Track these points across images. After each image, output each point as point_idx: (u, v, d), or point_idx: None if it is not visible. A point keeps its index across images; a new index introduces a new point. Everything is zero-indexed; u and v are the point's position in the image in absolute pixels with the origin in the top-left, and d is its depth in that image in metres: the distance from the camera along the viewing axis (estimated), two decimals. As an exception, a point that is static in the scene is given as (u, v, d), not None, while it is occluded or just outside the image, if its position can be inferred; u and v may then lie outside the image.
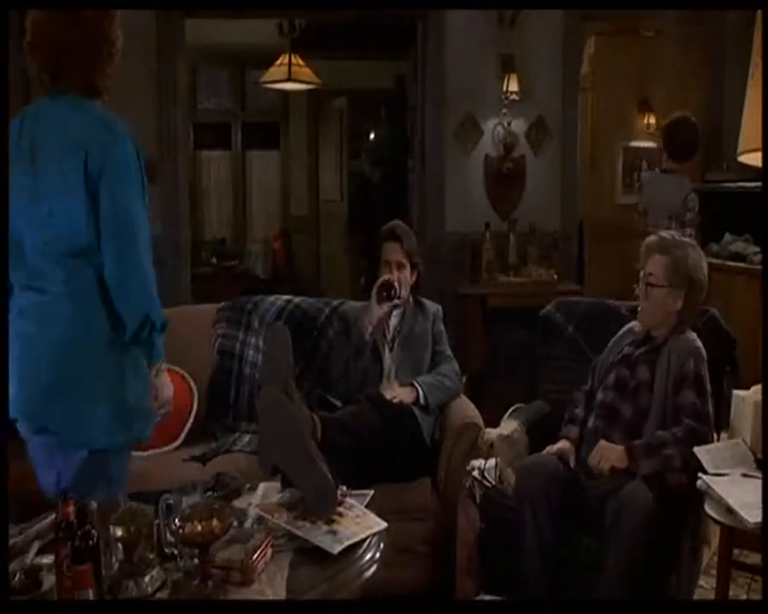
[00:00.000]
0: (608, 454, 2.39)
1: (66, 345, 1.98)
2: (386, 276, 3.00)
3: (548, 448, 2.56)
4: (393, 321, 3.08)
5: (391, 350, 3.04)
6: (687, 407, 2.43)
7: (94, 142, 1.98)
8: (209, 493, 2.10)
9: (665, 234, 2.66)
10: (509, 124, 5.02)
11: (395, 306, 3.03)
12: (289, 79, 6.08)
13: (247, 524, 1.99)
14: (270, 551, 1.83)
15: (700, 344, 2.52)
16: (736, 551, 2.28)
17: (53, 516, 1.83)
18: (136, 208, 2.01)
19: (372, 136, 8.10)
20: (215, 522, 1.74)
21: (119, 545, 1.75)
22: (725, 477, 2.19)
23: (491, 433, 2.69)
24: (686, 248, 2.56)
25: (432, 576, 2.69)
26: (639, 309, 2.62)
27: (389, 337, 3.07)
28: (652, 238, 2.64)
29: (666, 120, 4.60)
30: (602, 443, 2.43)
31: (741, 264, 4.41)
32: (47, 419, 2.00)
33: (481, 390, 4.30)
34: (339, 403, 2.86)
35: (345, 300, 3.38)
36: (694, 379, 2.45)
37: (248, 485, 2.25)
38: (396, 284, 2.98)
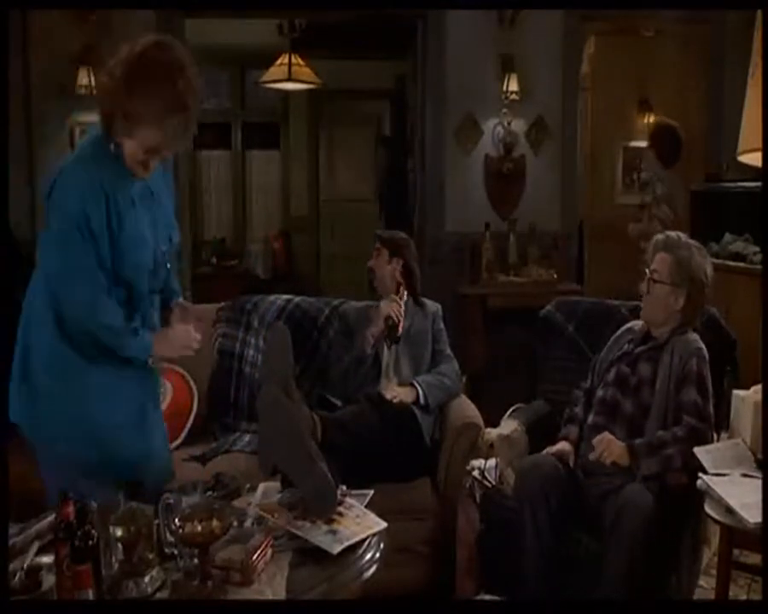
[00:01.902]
0: (612, 448, 2.39)
1: (52, 357, 2.03)
2: (392, 313, 2.95)
3: (547, 449, 2.56)
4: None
5: (389, 347, 3.04)
6: (688, 405, 2.43)
7: None
8: (209, 493, 2.10)
9: (672, 233, 2.69)
10: (509, 124, 5.02)
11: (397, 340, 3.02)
12: (289, 79, 6.07)
13: (247, 524, 1.99)
14: (270, 551, 1.83)
15: (702, 345, 2.53)
16: (736, 551, 2.28)
17: (53, 516, 1.83)
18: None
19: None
20: (215, 522, 1.74)
21: (119, 545, 1.75)
22: (725, 477, 2.19)
23: (491, 433, 2.69)
24: (691, 249, 2.59)
25: (432, 576, 2.69)
26: (642, 304, 2.65)
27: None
28: (659, 236, 2.69)
29: (652, 126, 4.81)
30: (607, 435, 2.42)
31: (741, 264, 4.41)
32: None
33: (481, 391, 4.29)
34: (339, 403, 2.86)
35: (345, 300, 3.38)
36: (696, 378, 2.46)
37: (248, 485, 2.25)
38: (400, 326, 2.96)
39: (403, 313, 2.99)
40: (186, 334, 2.15)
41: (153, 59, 1.90)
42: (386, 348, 3.03)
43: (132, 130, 1.91)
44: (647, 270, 2.64)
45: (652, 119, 6.49)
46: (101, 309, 2.00)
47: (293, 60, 6.04)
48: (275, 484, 2.20)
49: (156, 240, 2.11)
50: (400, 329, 2.96)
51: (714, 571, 2.31)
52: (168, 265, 2.20)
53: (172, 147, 2.01)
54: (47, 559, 1.77)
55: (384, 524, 2.01)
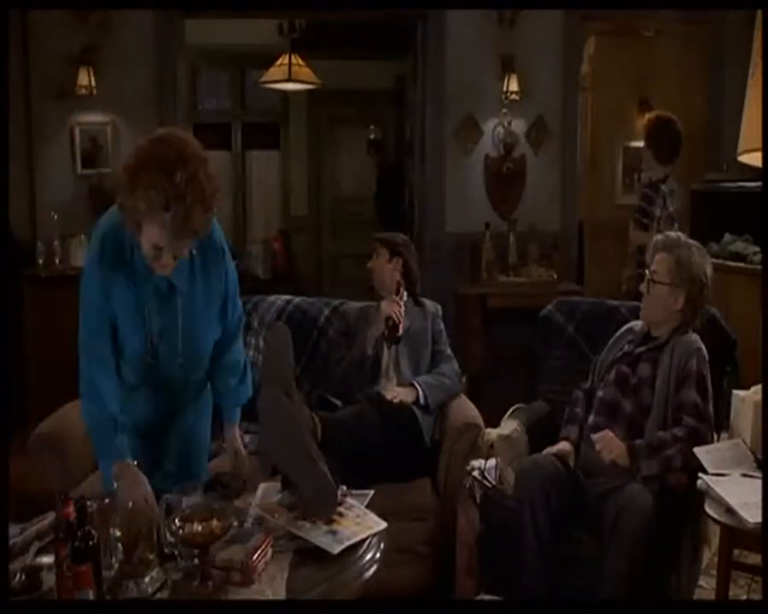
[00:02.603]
0: (612, 446, 2.38)
1: None
2: (393, 314, 2.95)
3: (547, 449, 2.56)
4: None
5: (389, 347, 3.04)
6: (688, 405, 2.43)
7: None
8: (209, 493, 2.10)
9: (672, 233, 2.70)
10: (509, 124, 5.03)
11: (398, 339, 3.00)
12: (289, 79, 6.07)
13: (247, 524, 1.99)
14: (270, 551, 1.83)
15: (702, 345, 2.54)
16: (735, 551, 2.28)
17: (53, 516, 1.83)
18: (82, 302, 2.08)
19: (372, 136, 8.13)
20: (215, 522, 1.75)
21: (119, 545, 1.75)
22: (725, 477, 2.19)
23: (491, 433, 2.69)
24: (691, 249, 2.59)
25: (432, 576, 2.69)
26: (642, 304, 2.65)
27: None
28: (659, 236, 2.70)
29: (648, 119, 4.35)
30: (608, 432, 2.42)
31: (741, 264, 4.41)
32: None
33: (481, 390, 4.29)
34: (339, 403, 2.86)
35: (345, 300, 3.38)
36: (696, 378, 2.46)
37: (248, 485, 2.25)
38: (400, 327, 2.95)
39: (403, 313, 2.99)
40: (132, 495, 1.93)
41: (151, 153, 1.87)
42: (386, 348, 3.03)
43: (140, 226, 1.91)
44: (646, 270, 2.64)
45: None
46: (96, 377, 2.05)
47: (293, 60, 6.05)
48: (275, 484, 2.20)
49: (164, 337, 2.12)
50: (401, 330, 2.96)
51: (714, 571, 2.31)
52: (191, 377, 2.23)
53: (174, 243, 1.92)
54: (47, 559, 1.77)
55: (384, 524, 2.01)
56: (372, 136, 7.98)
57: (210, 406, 2.39)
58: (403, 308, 3.00)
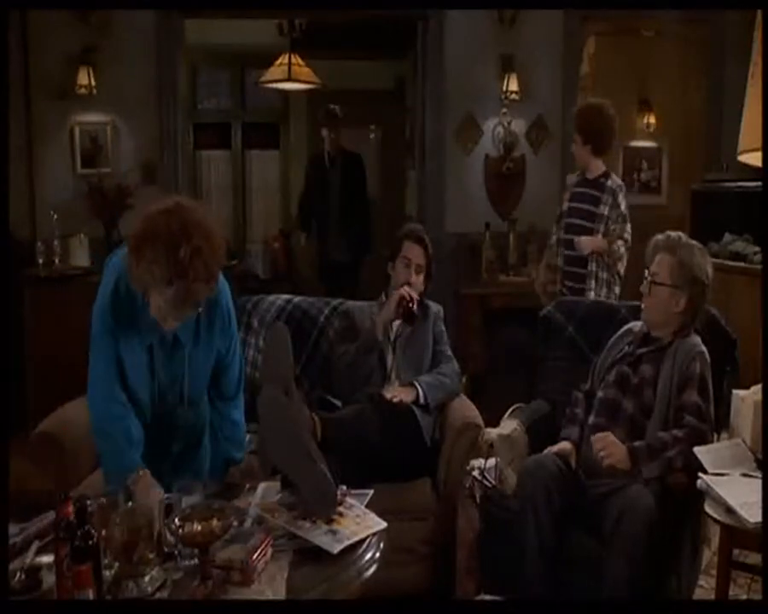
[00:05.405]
0: (613, 450, 2.38)
1: None
2: (405, 292, 2.97)
3: (548, 449, 2.56)
4: (396, 322, 3.08)
5: (393, 350, 3.04)
6: (690, 406, 2.43)
7: None
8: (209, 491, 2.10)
9: (673, 233, 2.65)
10: (509, 124, 5.03)
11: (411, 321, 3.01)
12: (289, 79, 6.07)
13: (247, 524, 1.99)
14: (270, 551, 1.83)
15: (704, 348, 2.53)
16: (735, 551, 2.28)
17: (53, 516, 1.83)
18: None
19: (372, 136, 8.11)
20: (215, 522, 1.75)
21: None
22: (725, 477, 2.19)
23: (491, 433, 2.69)
24: (692, 249, 2.57)
25: (432, 576, 2.69)
26: (642, 306, 2.64)
27: (392, 337, 3.07)
28: (659, 236, 2.66)
29: (579, 109, 3.97)
30: (610, 436, 2.41)
31: (741, 264, 4.41)
32: None
33: (481, 390, 4.29)
34: (339, 403, 2.86)
35: (344, 300, 3.38)
36: (698, 381, 2.46)
37: (248, 485, 2.25)
38: (414, 306, 2.96)
39: (416, 296, 2.99)
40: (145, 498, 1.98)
41: (157, 226, 1.90)
42: (389, 349, 3.03)
43: (146, 290, 1.96)
44: (646, 271, 2.62)
45: (652, 120, 6.47)
46: (108, 397, 2.11)
47: (293, 60, 6.04)
48: (275, 484, 2.20)
49: (167, 386, 2.20)
50: (415, 307, 2.96)
51: (714, 571, 2.31)
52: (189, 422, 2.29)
53: (174, 314, 1.99)
54: (47, 559, 1.77)
55: (384, 524, 2.01)
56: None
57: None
58: (411, 291, 3.00)
